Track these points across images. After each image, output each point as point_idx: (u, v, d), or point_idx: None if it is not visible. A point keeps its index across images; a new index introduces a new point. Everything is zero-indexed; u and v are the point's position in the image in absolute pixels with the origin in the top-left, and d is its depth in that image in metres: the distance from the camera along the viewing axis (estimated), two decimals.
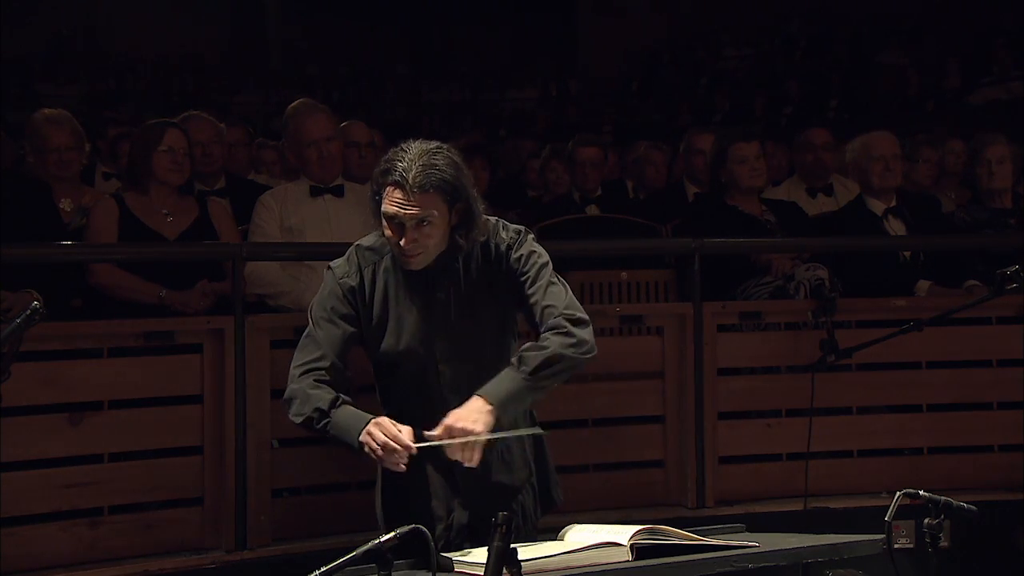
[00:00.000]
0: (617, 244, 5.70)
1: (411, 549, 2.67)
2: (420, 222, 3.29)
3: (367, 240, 3.54)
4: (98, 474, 4.12)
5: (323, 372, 3.40)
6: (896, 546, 3.09)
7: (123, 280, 4.62)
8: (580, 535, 3.04)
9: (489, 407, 3.24)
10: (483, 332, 3.46)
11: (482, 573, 2.43)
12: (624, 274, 5.62)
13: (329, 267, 3.53)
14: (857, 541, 3.03)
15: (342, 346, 3.45)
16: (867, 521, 3.32)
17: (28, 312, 3.16)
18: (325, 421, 3.34)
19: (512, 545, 2.44)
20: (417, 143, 3.36)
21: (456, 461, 3.29)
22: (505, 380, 3.29)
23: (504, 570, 2.43)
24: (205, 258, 4.78)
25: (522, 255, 3.44)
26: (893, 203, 5.68)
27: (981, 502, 3.13)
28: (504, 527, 2.41)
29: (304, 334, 3.51)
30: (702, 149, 6.54)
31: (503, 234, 3.47)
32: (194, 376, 4.24)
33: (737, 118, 13.69)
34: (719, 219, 5.48)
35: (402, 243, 3.32)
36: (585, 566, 2.80)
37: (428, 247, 3.35)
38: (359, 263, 3.49)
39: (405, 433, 3.24)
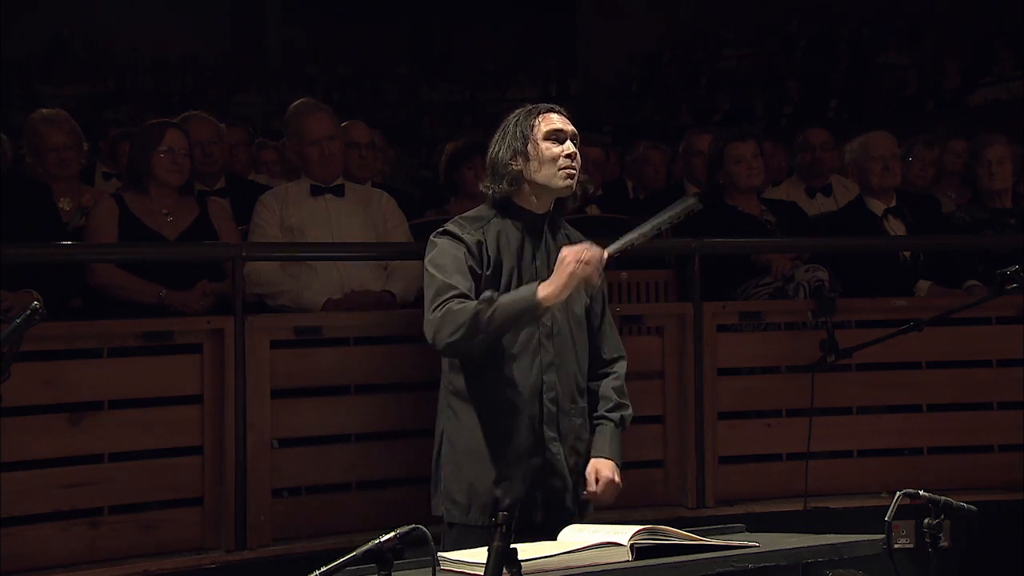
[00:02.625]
0: None
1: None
2: (573, 138, 3.64)
3: (469, 213, 3.73)
4: (98, 474, 4.12)
5: (461, 295, 3.48)
6: (896, 546, 3.08)
7: (123, 280, 4.62)
8: (580, 535, 3.04)
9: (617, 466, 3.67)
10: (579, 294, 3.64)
11: (482, 573, 2.43)
12: (624, 274, 5.61)
13: (442, 232, 3.63)
14: (857, 541, 3.03)
15: (473, 290, 3.52)
16: (867, 521, 3.32)
17: (28, 312, 3.16)
18: (493, 306, 3.39)
19: (512, 545, 2.44)
20: None
21: (543, 420, 3.58)
22: (616, 439, 3.72)
23: (504, 570, 2.43)
24: (205, 258, 4.77)
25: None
26: (893, 203, 5.68)
27: (981, 502, 3.12)
28: (504, 527, 2.41)
29: (429, 291, 3.55)
30: (701, 150, 6.55)
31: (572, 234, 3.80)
32: (194, 376, 4.25)
33: (737, 118, 13.70)
34: (719, 219, 5.48)
35: (569, 150, 3.60)
36: (585, 566, 2.80)
37: (578, 166, 3.65)
38: (472, 225, 3.64)
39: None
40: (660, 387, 4.81)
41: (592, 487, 3.61)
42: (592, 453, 3.66)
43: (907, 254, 5.59)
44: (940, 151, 6.78)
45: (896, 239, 5.61)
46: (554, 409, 3.60)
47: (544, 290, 3.37)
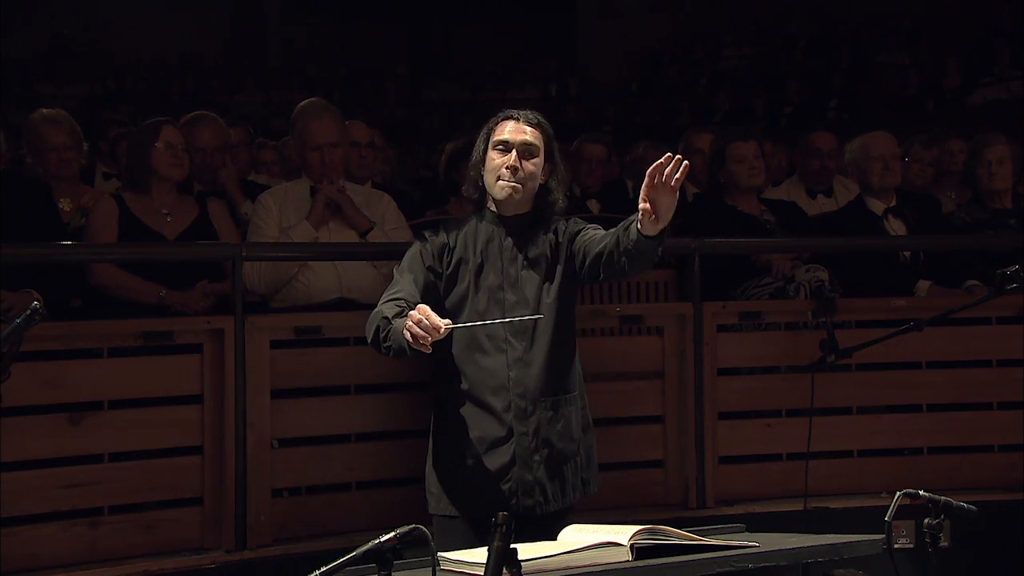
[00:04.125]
0: None
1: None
2: (527, 151, 3.72)
3: (457, 217, 3.90)
4: (98, 474, 4.13)
5: (398, 298, 3.59)
6: (896, 546, 3.09)
7: (123, 280, 4.62)
8: (580, 535, 3.04)
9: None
10: (549, 289, 3.74)
11: (482, 573, 2.43)
12: None
13: (423, 232, 3.83)
14: (857, 541, 3.03)
15: (420, 289, 3.67)
16: (867, 521, 3.32)
17: (28, 312, 3.16)
18: (389, 327, 3.48)
19: (512, 545, 2.44)
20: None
21: (511, 420, 3.66)
22: None
23: (504, 570, 2.43)
24: (205, 258, 4.78)
25: (581, 225, 3.82)
26: (893, 203, 5.69)
27: (981, 502, 3.12)
28: (504, 527, 2.41)
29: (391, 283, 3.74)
30: (700, 148, 6.54)
31: (570, 222, 3.84)
32: (194, 376, 4.25)
33: (737, 118, 13.68)
34: (719, 219, 5.48)
35: (510, 166, 3.69)
36: (585, 566, 2.80)
37: (526, 181, 3.72)
38: (445, 228, 3.82)
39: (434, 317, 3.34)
40: (660, 387, 4.81)
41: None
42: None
43: (907, 254, 5.59)
44: (938, 151, 6.78)
45: (896, 239, 5.61)
46: (523, 404, 3.67)
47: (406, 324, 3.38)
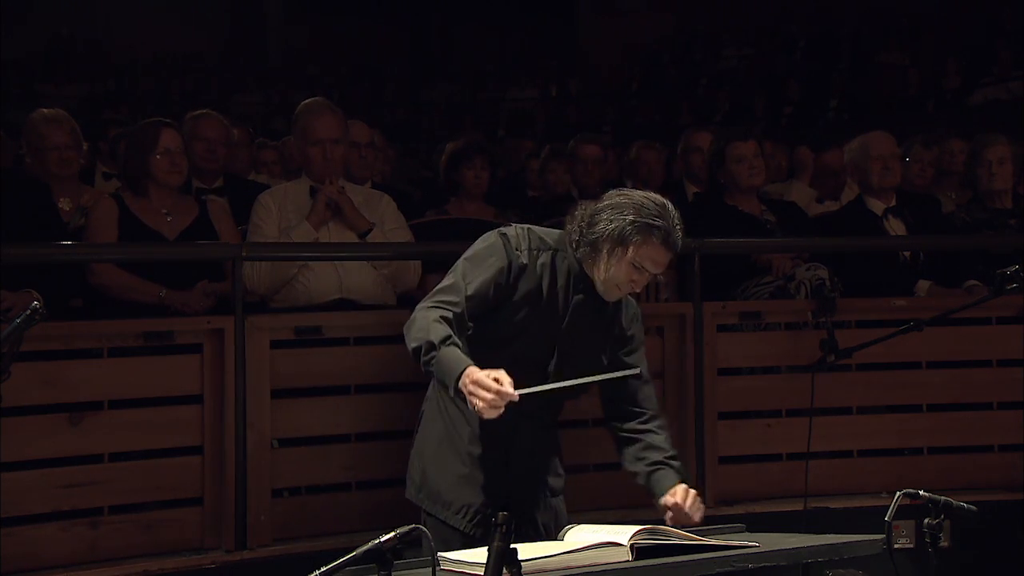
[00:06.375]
0: None
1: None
2: (657, 275, 3.64)
3: (542, 231, 3.63)
4: (98, 474, 4.12)
5: (451, 314, 3.41)
6: (896, 546, 3.09)
7: (123, 280, 4.62)
8: (580, 535, 3.05)
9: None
10: (594, 359, 3.61)
11: (482, 573, 2.43)
12: None
13: (502, 233, 3.57)
14: (857, 541, 3.03)
15: (480, 305, 3.47)
16: (867, 521, 3.32)
17: (28, 312, 3.16)
18: (432, 354, 3.32)
19: (512, 545, 2.44)
20: (661, 201, 3.51)
21: (511, 459, 3.60)
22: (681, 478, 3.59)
23: (504, 570, 2.43)
24: (205, 258, 4.77)
25: (641, 331, 3.75)
26: (893, 203, 5.69)
27: (981, 502, 3.13)
28: (504, 527, 2.41)
29: (447, 280, 3.51)
30: (700, 147, 6.55)
31: (632, 299, 3.73)
32: (194, 376, 4.24)
33: (737, 118, 13.68)
34: (719, 219, 5.48)
35: (638, 289, 3.56)
36: (585, 566, 2.80)
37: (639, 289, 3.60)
38: (530, 243, 3.56)
39: (505, 383, 3.22)
40: (660, 387, 4.80)
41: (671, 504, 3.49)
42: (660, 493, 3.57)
43: (907, 254, 5.59)
44: (938, 151, 6.79)
45: (896, 239, 5.61)
46: (508, 417, 3.48)
47: (461, 381, 3.27)
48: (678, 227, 3.49)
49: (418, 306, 3.50)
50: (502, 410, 3.19)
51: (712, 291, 4.93)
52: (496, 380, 3.18)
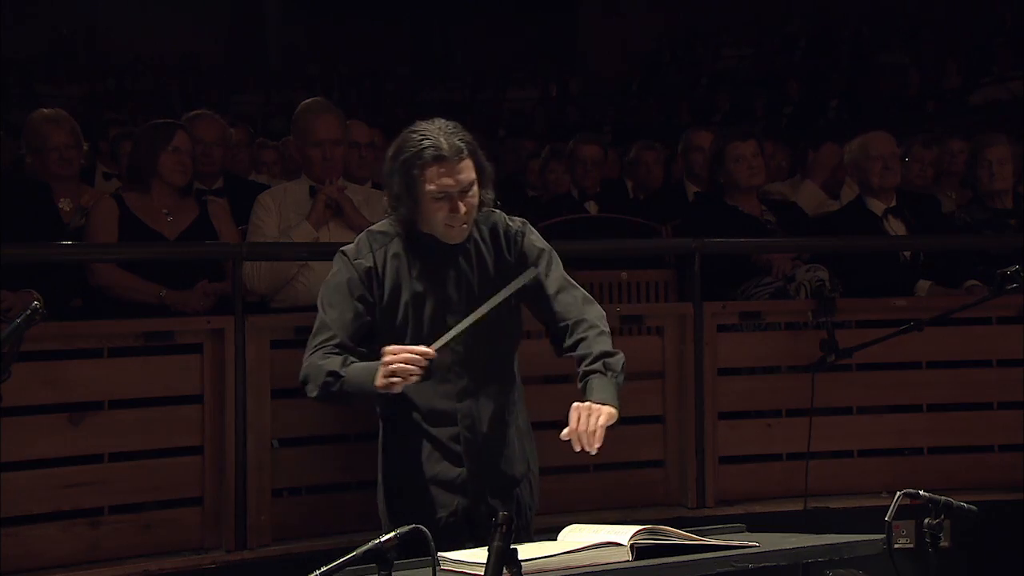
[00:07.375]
0: (617, 244, 5.69)
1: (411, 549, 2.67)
2: (464, 190, 3.36)
3: (377, 226, 3.57)
4: (98, 474, 4.12)
5: (334, 348, 3.37)
6: (896, 546, 3.08)
7: (123, 280, 4.62)
8: (580, 535, 3.04)
9: (615, 412, 3.28)
10: (495, 313, 3.38)
11: (482, 573, 2.43)
12: (624, 274, 5.62)
13: (341, 251, 3.52)
14: (857, 541, 3.03)
15: (353, 326, 3.41)
16: (867, 521, 3.32)
17: (28, 312, 3.16)
18: (340, 381, 3.30)
19: (512, 545, 2.44)
20: (424, 123, 3.40)
21: (460, 452, 3.45)
22: (609, 386, 3.33)
23: (504, 570, 2.43)
24: (205, 258, 4.78)
25: (534, 245, 3.53)
26: (893, 203, 5.68)
27: (981, 502, 3.12)
28: (504, 527, 2.41)
29: (316, 321, 3.46)
30: (700, 146, 6.55)
31: (509, 222, 3.54)
32: (194, 376, 4.25)
33: (737, 118, 13.68)
34: (719, 219, 5.48)
35: (459, 213, 3.36)
36: (585, 566, 2.80)
37: (471, 214, 3.40)
38: (370, 245, 3.49)
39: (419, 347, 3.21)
40: (660, 387, 4.81)
41: (571, 427, 3.24)
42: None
43: (907, 254, 5.59)
44: (938, 151, 6.79)
45: (896, 239, 5.60)
46: (470, 435, 3.48)
47: (376, 379, 3.23)
48: (450, 134, 3.35)
49: (303, 361, 3.43)
50: (423, 369, 3.16)
51: (712, 291, 4.93)
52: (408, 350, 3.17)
